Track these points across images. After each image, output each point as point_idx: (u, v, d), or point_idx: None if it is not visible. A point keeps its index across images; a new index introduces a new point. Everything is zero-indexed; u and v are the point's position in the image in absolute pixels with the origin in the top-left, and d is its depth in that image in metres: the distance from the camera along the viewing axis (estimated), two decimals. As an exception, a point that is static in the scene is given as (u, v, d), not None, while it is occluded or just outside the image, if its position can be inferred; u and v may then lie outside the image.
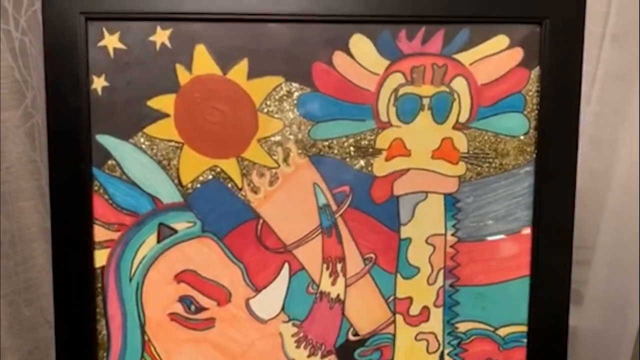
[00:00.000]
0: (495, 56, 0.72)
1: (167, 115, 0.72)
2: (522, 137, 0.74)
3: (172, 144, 0.73)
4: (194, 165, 0.73)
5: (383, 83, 0.72)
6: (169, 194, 0.74)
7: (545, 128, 0.73)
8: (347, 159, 0.74)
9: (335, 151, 0.73)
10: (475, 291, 0.76)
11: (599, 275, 1.04)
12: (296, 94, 0.72)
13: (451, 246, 0.75)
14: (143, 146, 0.73)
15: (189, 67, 0.72)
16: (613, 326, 1.04)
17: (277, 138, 0.73)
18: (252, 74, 0.72)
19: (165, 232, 0.74)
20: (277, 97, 0.73)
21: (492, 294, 0.76)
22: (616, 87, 0.97)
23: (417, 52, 0.72)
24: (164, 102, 0.72)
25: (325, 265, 0.75)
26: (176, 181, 0.73)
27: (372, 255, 0.75)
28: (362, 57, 0.72)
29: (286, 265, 0.75)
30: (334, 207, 0.74)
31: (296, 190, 0.74)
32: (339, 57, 0.72)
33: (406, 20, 0.72)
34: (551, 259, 0.75)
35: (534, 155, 0.74)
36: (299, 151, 0.73)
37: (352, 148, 0.74)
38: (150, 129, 0.72)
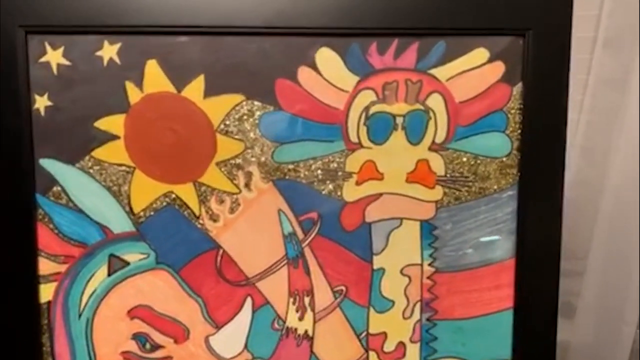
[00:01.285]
0: (474, 71, 0.65)
1: (116, 137, 0.65)
2: (504, 159, 0.67)
3: (123, 168, 0.65)
4: (147, 191, 0.66)
5: (353, 101, 0.65)
6: (119, 223, 0.66)
7: (528, 148, 0.66)
8: (315, 184, 0.66)
9: (302, 175, 0.66)
10: (455, 325, 0.69)
11: (591, 287, 0.97)
12: (258, 113, 0.65)
13: (428, 277, 0.68)
14: (91, 171, 0.65)
15: (139, 85, 0.64)
16: (606, 340, 0.97)
17: (238, 161, 0.66)
18: (210, 91, 0.65)
19: (116, 264, 0.67)
20: (237, 116, 0.65)
21: (473, 328, 0.69)
22: (608, 94, 0.91)
23: (389, 67, 0.65)
24: (113, 123, 0.65)
25: (291, 299, 0.68)
26: (127, 209, 0.66)
27: (343, 288, 0.68)
28: (329, 72, 0.65)
29: (249, 300, 0.68)
30: (301, 236, 0.67)
31: (259, 218, 0.67)
32: (304, 73, 0.65)
33: (377, 32, 0.64)
34: (537, 290, 0.68)
35: (517, 178, 0.67)
36: (262, 175, 0.66)
37: (319, 171, 0.66)
38: (99, 152, 0.65)
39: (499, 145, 0.66)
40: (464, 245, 0.68)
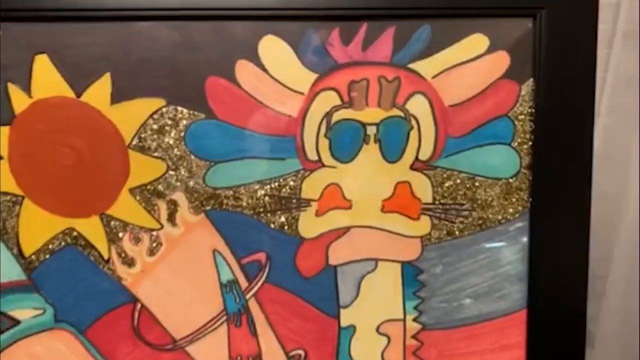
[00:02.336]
0: (470, 64, 0.49)
1: (-3, 157, 0.48)
2: (510, 180, 0.50)
3: (8, 198, 0.49)
4: (40, 228, 0.49)
5: (309, 105, 0.49)
6: (5, 270, 0.49)
7: (542, 166, 0.49)
8: (262, 215, 0.50)
9: (244, 204, 0.49)
10: (450, 399, 0.52)
11: (612, 311, 0.80)
12: (184, 122, 0.49)
13: (413, 336, 0.51)
14: (-35, 201, 0.49)
15: (26, 88, 0.48)
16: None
17: (158, 186, 0.49)
18: (119, 95, 0.48)
19: (2, 324, 0.50)
20: (156, 127, 0.49)
21: (474, 402, 0.52)
22: (629, 95, 0.74)
23: (356, 60, 0.48)
24: (-9, 138, 0.48)
25: (233, 367, 0.51)
26: (15, 251, 0.49)
27: (301, 352, 0.51)
28: (277, 68, 0.48)
29: (177, 368, 0.51)
30: (244, 284, 0.50)
31: (188, 261, 0.50)
32: (243, 69, 0.48)
33: (340, 15, 0.48)
34: (554, 352, 0.51)
35: (528, 205, 0.50)
36: (191, 205, 0.49)
37: (267, 199, 0.49)
38: (-26, 177, 0.48)
39: (504, 162, 0.50)
40: (460, 294, 0.51)
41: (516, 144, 0.49)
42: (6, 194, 0.49)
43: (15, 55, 0.47)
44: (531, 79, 0.49)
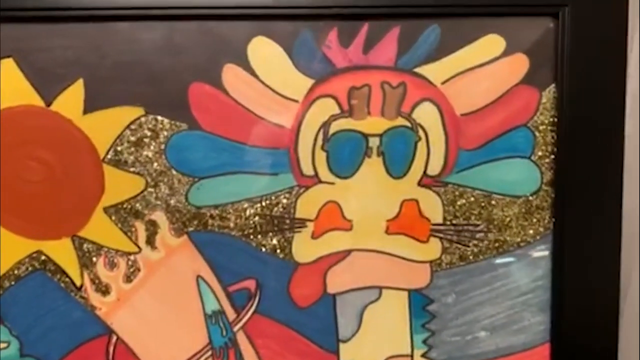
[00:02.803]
0: (484, 68, 0.43)
1: (-43, 172, 0.43)
2: (530, 197, 0.44)
3: (-32, 217, 0.44)
4: (4, 252, 0.44)
5: (305, 115, 0.43)
6: (-36, 298, 0.44)
7: (566, 182, 0.43)
8: (251, 237, 0.44)
9: (232, 224, 0.44)
10: None
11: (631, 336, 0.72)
12: (164, 133, 0.43)
13: (422, 374, 0.45)
14: None
15: (-10, 95, 0.43)
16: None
17: (136, 205, 0.44)
18: (93, 103, 0.43)
19: (-39, 359, 0.45)
20: (133, 139, 0.43)
21: None
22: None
23: (357, 64, 0.43)
24: (-49, 151, 0.43)
25: (219, 408, 0.45)
26: (-24, 277, 0.44)
27: (295, 391, 0.45)
28: (268, 73, 0.43)
29: (157, 409, 0.45)
30: (232, 315, 0.44)
31: (169, 289, 0.44)
32: (231, 74, 0.43)
33: (338, 13, 0.43)
34: (584, 393, 0.45)
35: (550, 226, 0.44)
36: (173, 225, 0.44)
37: (257, 219, 0.44)
38: None
39: (523, 177, 0.44)
40: (474, 326, 0.45)
41: (536, 157, 0.44)
42: (-33, 213, 0.43)
43: (-22, 60, 0.43)
44: (553, 85, 0.43)
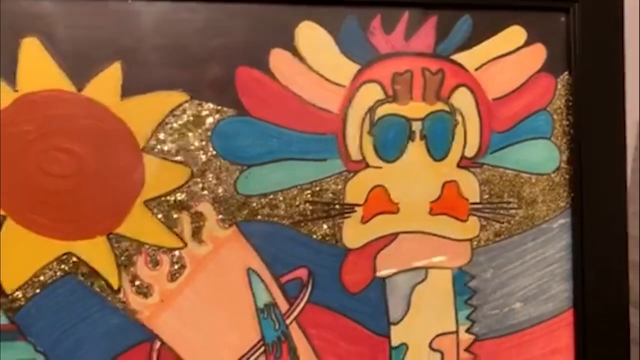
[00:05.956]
0: (510, 57, 0.45)
1: (-32, 167, 0.36)
2: (552, 175, 0.46)
3: (-18, 218, 0.36)
4: (27, 256, 0.37)
5: (352, 99, 0.42)
6: (-23, 313, 0.37)
7: (582, 160, 0.46)
8: (302, 225, 0.41)
9: (282, 212, 0.41)
10: (505, 414, 0.46)
11: None
12: (210, 120, 0.40)
13: (467, 349, 0.45)
14: None
15: (10, 79, 0.36)
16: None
17: (181, 196, 0.39)
18: (131, 88, 0.38)
19: (-28, 385, 0.37)
20: (176, 126, 0.39)
21: (528, 415, 0.46)
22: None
23: (399, 50, 0.43)
24: (-39, 143, 0.36)
25: (273, 407, 0.41)
26: (-8, 287, 0.37)
27: (350, 380, 0.43)
28: (316, 57, 0.41)
29: (207, 416, 0.40)
30: (284, 307, 0.41)
31: (218, 285, 0.40)
32: (278, 59, 0.40)
33: (380, 0, 0.42)
34: (602, 351, 0.47)
35: (569, 201, 0.47)
36: (221, 217, 0.40)
37: (308, 205, 0.42)
38: (-64, 194, 0.36)
39: (545, 157, 0.46)
40: (510, 298, 0.45)
41: (556, 138, 0.46)
42: (-21, 214, 0.36)
43: (-4, 38, 0.36)
44: (566, 72, 0.46)
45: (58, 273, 0.37)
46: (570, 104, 0.46)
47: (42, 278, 0.37)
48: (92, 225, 0.38)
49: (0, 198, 0.36)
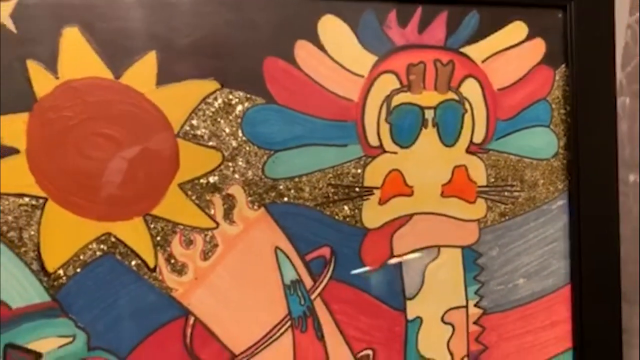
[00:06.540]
0: (513, 50, 0.48)
1: (13, 151, 0.37)
2: (550, 160, 0.50)
3: (25, 201, 0.38)
4: (69, 236, 0.38)
5: (370, 89, 0.45)
6: (22, 291, 0.38)
7: (578, 146, 0.49)
8: (325, 206, 0.44)
9: (307, 195, 0.43)
10: (510, 382, 0.49)
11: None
12: (240, 107, 0.42)
13: (475, 322, 0.48)
14: (-34, 208, 0.37)
15: (51, 66, 0.38)
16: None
17: (213, 179, 0.41)
18: (166, 76, 0.40)
19: (16, 360, 0.38)
20: (209, 112, 0.41)
21: (530, 383, 0.50)
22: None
23: (413, 43, 0.45)
24: (6, 128, 0.37)
25: (299, 378, 0.44)
26: (36, 267, 0.38)
27: (369, 352, 0.45)
28: (337, 49, 0.43)
29: (238, 388, 0.42)
30: (309, 284, 0.44)
31: (248, 263, 0.42)
32: (302, 50, 0.43)
33: (396, -4, 0.45)
34: (598, 322, 0.51)
35: (567, 184, 0.50)
36: (250, 198, 0.42)
37: (330, 188, 0.44)
38: (-19, 177, 0.37)
39: (545, 143, 0.49)
40: (514, 274, 0.49)
41: (554, 126, 0.49)
42: (23, 196, 0.38)
43: (38, 27, 0.38)
44: (564, 65, 0.49)
45: (97, 253, 0.39)
46: (567, 94, 0.49)
47: (82, 257, 0.39)
48: (129, 207, 0.39)
49: (43, 182, 0.38)
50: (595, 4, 0.49)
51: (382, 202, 0.45)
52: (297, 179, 0.43)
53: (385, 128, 0.44)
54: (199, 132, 0.40)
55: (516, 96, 0.48)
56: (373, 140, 0.44)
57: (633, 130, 0.58)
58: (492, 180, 0.47)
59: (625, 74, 0.58)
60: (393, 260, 0.45)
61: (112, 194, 0.39)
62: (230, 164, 0.41)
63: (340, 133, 0.43)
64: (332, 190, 0.44)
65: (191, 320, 0.41)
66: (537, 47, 0.48)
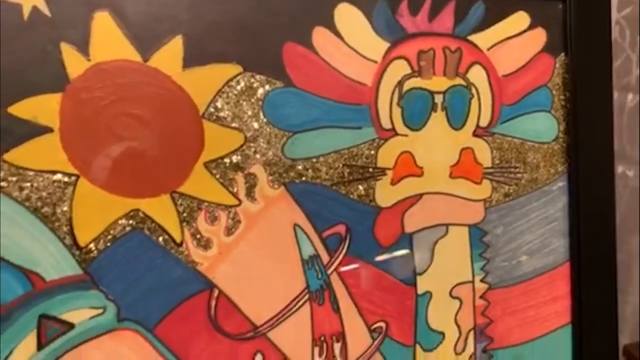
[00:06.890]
0: (516, 39, 0.50)
1: (47, 130, 0.39)
2: (551, 143, 0.52)
3: (58, 178, 0.39)
4: (99, 212, 0.40)
5: (383, 74, 0.47)
6: (56, 264, 0.39)
7: (577, 130, 0.52)
8: (341, 186, 0.46)
9: (324, 174, 0.45)
10: (514, 353, 0.51)
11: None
12: (261, 90, 0.44)
13: (481, 296, 0.50)
14: (4, 184, 0.38)
15: (83, 49, 0.40)
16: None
17: (236, 159, 0.43)
18: (192, 59, 0.42)
19: (52, 330, 0.39)
20: (232, 95, 0.43)
21: (532, 353, 0.52)
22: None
23: (423, 31, 0.48)
24: (41, 108, 0.39)
25: (317, 349, 0.46)
26: (68, 241, 0.40)
27: (382, 324, 0.48)
28: (353, 36, 0.46)
29: (259, 358, 0.44)
30: (325, 259, 0.46)
31: (268, 239, 0.44)
32: (320, 36, 0.45)
33: (407, -14, 0.47)
34: (595, 298, 0.53)
35: (566, 166, 0.53)
36: (271, 178, 0.44)
37: (346, 168, 0.46)
38: (16, 155, 0.38)
39: (545, 127, 0.52)
40: (518, 252, 0.51)
41: (554, 111, 0.52)
42: (55, 173, 0.39)
43: (70, 12, 0.39)
44: (563, 53, 0.52)
45: (127, 228, 0.41)
46: (567, 81, 0.52)
47: (112, 232, 0.40)
48: (156, 184, 0.41)
49: (75, 160, 0.39)
50: (593, -4, 0.52)
51: (394, 182, 0.47)
52: (314, 160, 0.45)
53: (397, 111, 0.47)
54: (222, 114, 0.42)
55: (519, 82, 0.50)
56: (386, 123, 0.46)
57: (620, 122, 0.60)
58: (497, 162, 0.50)
59: (614, 69, 0.61)
60: (405, 235, 0.47)
61: (140, 172, 0.40)
62: (252, 144, 0.43)
63: (355, 116, 0.46)
64: (348, 170, 0.46)
65: (215, 293, 0.43)
66: (539, 37, 0.51)
